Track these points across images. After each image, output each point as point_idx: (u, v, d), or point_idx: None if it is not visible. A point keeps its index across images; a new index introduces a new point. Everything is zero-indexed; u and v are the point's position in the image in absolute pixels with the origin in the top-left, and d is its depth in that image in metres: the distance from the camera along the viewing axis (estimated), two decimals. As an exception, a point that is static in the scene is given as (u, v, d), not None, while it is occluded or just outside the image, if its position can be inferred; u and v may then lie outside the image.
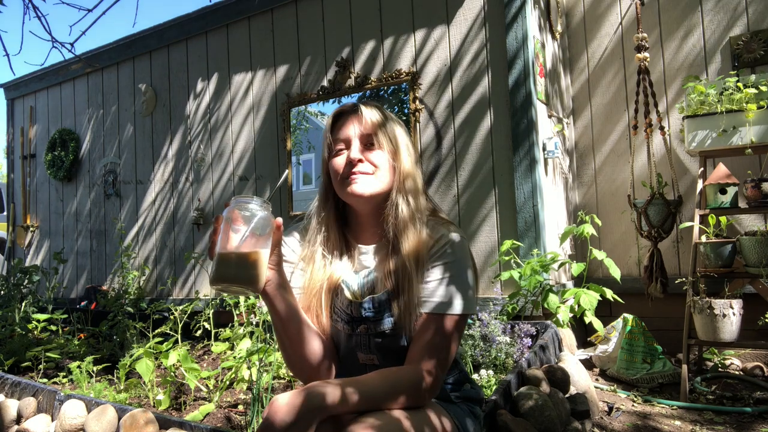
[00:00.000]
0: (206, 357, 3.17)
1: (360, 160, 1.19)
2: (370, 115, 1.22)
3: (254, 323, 2.81)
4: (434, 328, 1.13)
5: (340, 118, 1.25)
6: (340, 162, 1.21)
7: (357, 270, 1.26)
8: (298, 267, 1.27)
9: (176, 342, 3.00)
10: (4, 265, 5.98)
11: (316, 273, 1.24)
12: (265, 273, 1.02)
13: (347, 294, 1.23)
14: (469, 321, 2.55)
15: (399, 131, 1.25)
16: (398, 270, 1.17)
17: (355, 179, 1.18)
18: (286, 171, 1.08)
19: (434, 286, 1.15)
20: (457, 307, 1.14)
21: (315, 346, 1.19)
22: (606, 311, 3.24)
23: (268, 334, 2.71)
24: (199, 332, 3.25)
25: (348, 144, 1.22)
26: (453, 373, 1.28)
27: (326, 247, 1.26)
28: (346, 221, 1.31)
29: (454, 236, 1.19)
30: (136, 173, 4.74)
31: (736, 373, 2.71)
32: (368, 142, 1.21)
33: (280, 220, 1.04)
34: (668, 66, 3.31)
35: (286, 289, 1.11)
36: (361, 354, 1.24)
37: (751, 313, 2.54)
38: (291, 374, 2.47)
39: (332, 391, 1.00)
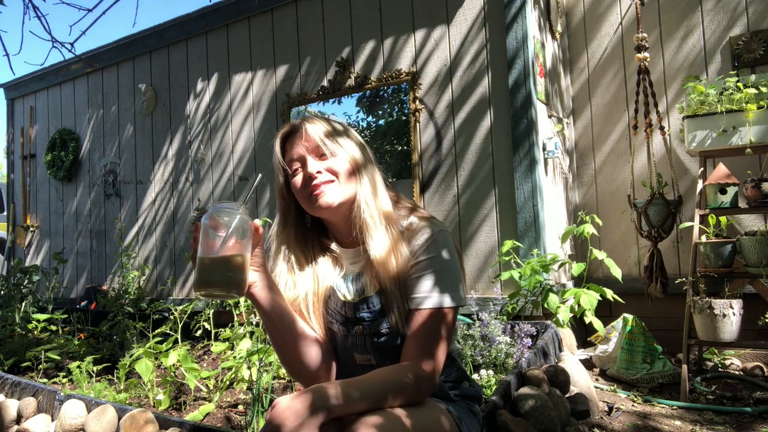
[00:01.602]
0: (206, 357, 3.17)
1: (318, 172, 1.19)
2: (314, 127, 1.22)
3: (254, 323, 2.80)
4: (425, 323, 1.13)
5: (287, 140, 1.25)
6: (300, 180, 1.21)
7: (345, 274, 1.26)
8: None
9: (176, 342, 3.00)
10: (4, 265, 5.98)
11: (287, 292, 1.24)
12: (248, 276, 1.02)
13: (340, 296, 1.23)
14: (469, 321, 2.55)
15: (348, 133, 1.26)
16: (383, 270, 1.17)
17: (320, 192, 1.18)
18: (260, 174, 1.10)
19: (421, 282, 1.16)
20: (446, 300, 1.15)
21: (311, 347, 1.19)
22: (606, 311, 3.24)
23: (268, 335, 2.70)
24: (199, 332, 3.25)
25: (303, 161, 1.21)
26: (451, 371, 1.28)
27: (291, 266, 1.26)
28: (323, 230, 1.31)
29: (435, 229, 1.19)
30: (136, 173, 4.74)
31: (736, 373, 2.71)
32: (320, 153, 1.21)
33: (258, 221, 1.05)
34: (668, 66, 3.31)
35: (274, 290, 1.12)
36: (357, 354, 1.24)
37: (751, 313, 2.54)
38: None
39: (333, 393, 1.00)
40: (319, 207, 1.19)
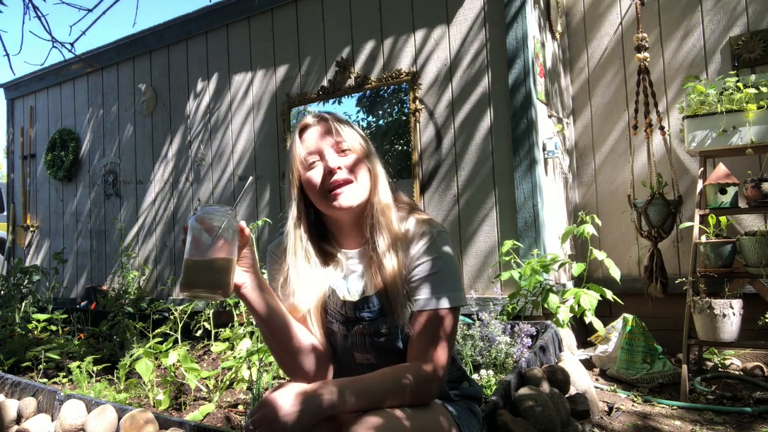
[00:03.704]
0: (206, 357, 3.17)
1: (339, 168, 1.18)
2: (337, 121, 1.22)
3: (254, 323, 2.80)
4: (429, 324, 1.14)
5: (305, 132, 1.23)
6: (317, 174, 1.19)
7: (346, 275, 1.26)
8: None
9: (176, 342, 3.00)
10: (4, 265, 5.98)
11: (291, 291, 1.23)
12: (233, 277, 1.02)
13: (340, 296, 1.23)
14: (469, 321, 2.55)
15: (363, 134, 1.26)
16: (385, 271, 1.17)
17: (340, 192, 1.17)
18: (251, 177, 1.08)
19: (423, 284, 1.16)
20: (448, 301, 1.15)
21: (307, 347, 1.19)
22: (606, 311, 3.24)
23: (261, 335, 2.70)
24: (199, 332, 3.25)
25: (321, 155, 1.20)
26: (451, 371, 1.28)
27: (307, 261, 1.24)
28: (324, 230, 1.29)
29: (435, 231, 1.19)
30: (136, 173, 4.74)
31: (736, 373, 2.71)
32: (341, 149, 1.20)
33: (243, 223, 1.04)
34: (668, 66, 3.31)
35: (265, 290, 1.11)
36: (357, 354, 1.24)
37: (751, 313, 2.54)
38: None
39: (333, 391, 1.00)
40: (337, 207, 1.18)
